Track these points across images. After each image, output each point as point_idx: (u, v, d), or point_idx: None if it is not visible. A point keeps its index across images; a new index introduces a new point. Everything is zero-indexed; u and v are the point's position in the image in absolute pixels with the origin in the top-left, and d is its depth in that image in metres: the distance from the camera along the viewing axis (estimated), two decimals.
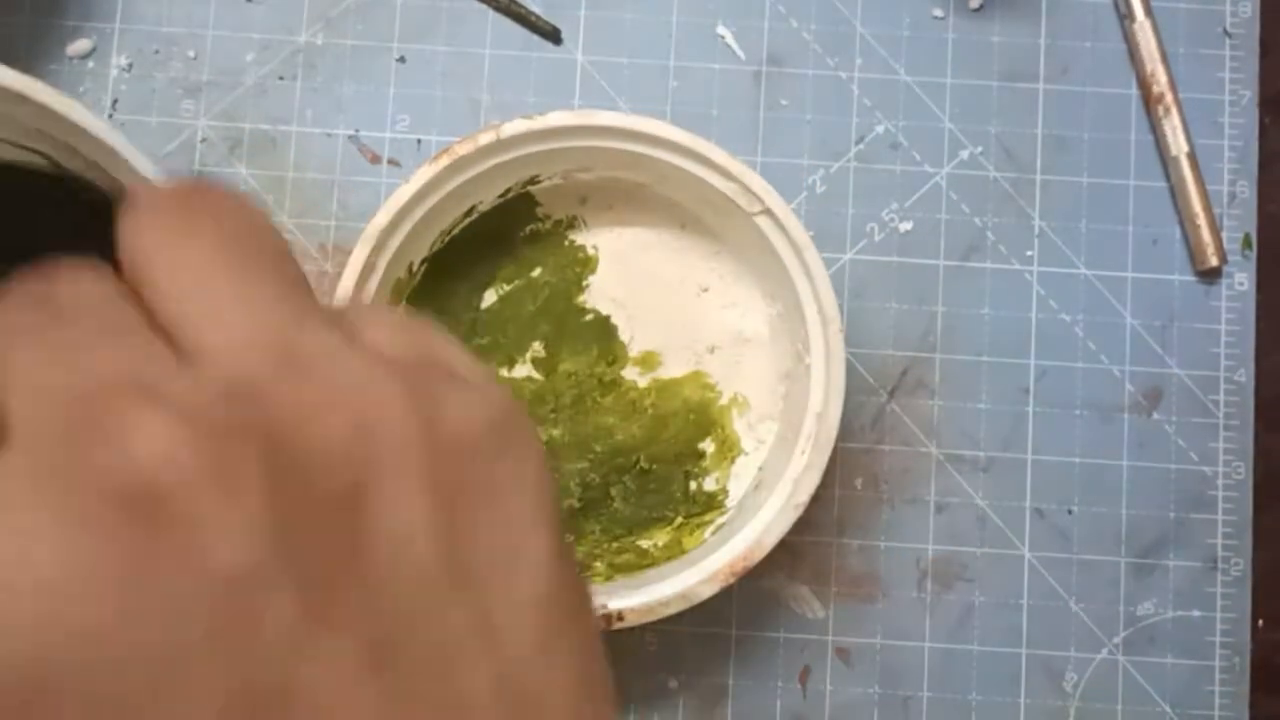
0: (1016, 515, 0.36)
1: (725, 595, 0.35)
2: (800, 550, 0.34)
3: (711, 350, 0.36)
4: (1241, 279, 0.37)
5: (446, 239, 0.34)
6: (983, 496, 0.36)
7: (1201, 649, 0.36)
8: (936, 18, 0.38)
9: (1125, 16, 0.38)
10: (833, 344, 0.31)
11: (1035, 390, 0.37)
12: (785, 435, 0.33)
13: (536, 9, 0.38)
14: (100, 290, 0.14)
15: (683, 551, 0.34)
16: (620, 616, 0.31)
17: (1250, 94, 0.38)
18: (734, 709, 0.35)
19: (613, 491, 0.35)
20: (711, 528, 0.34)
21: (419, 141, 0.37)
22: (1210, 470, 0.37)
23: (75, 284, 0.14)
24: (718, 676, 0.35)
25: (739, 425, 0.35)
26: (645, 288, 0.36)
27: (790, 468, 0.31)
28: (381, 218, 0.31)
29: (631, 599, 0.31)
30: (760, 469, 0.34)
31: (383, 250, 0.31)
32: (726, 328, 0.36)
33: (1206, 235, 0.37)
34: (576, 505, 0.35)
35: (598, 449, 0.35)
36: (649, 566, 0.33)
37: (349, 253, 0.37)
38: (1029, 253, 0.37)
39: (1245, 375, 0.37)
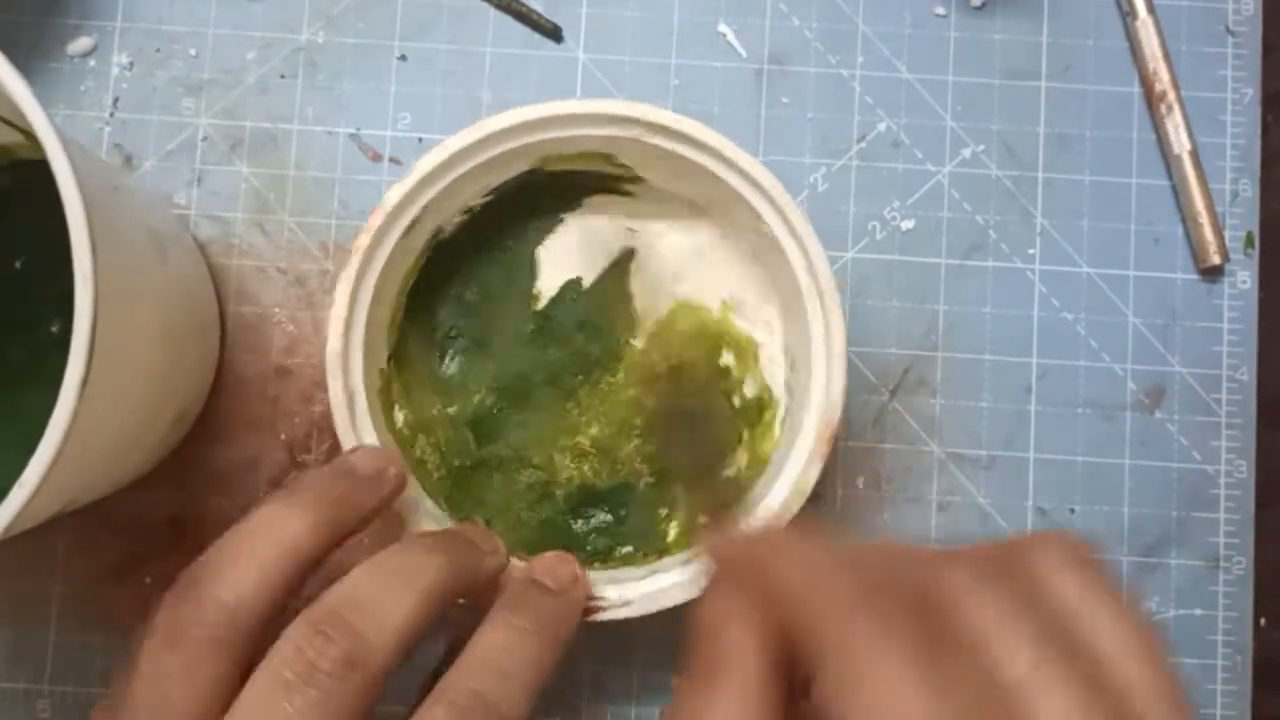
0: (1019, 514, 0.36)
1: None
2: None
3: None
4: (1244, 277, 0.37)
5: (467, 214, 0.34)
6: (985, 495, 0.36)
7: (1203, 647, 0.36)
8: (938, 15, 0.38)
9: (1127, 14, 0.38)
10: (834, 335, 0.31)
11: (1037, 389, 0.37)
12: (790, 425, 0.33)
13: (537, 7, 0.38)
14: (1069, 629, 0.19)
15: (765, 461, 0.33)
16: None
17: (1253, 92, 0.38)
18: None
19: (675, 451, 0.35)
20: (777, 424, 0.34)
21: (420, 140, 0.37)
22: (1212, 469, 0.37)
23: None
24: None
25: (741, 324, 0.35)
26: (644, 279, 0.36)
27: (791, 461, 0.31)
28: (421, 168, 0.31)
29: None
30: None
31: (413, 204, 0.31)
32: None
33: (1209, 233, 0.37)
34: (652, 482, 0.35)
35: (637, 423, 0.35)
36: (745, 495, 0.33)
37: (350, 251, 0.37)
38: (1031, 251, 0.37)
39: (1247, 374, 0.37)
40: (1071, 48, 0.38)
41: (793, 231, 0.32)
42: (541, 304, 0.36)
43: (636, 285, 0.36)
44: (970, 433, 0.37)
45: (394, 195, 0.31)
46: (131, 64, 0.37)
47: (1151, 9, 0.38)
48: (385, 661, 0.24)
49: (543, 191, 0.35)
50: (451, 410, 0.35)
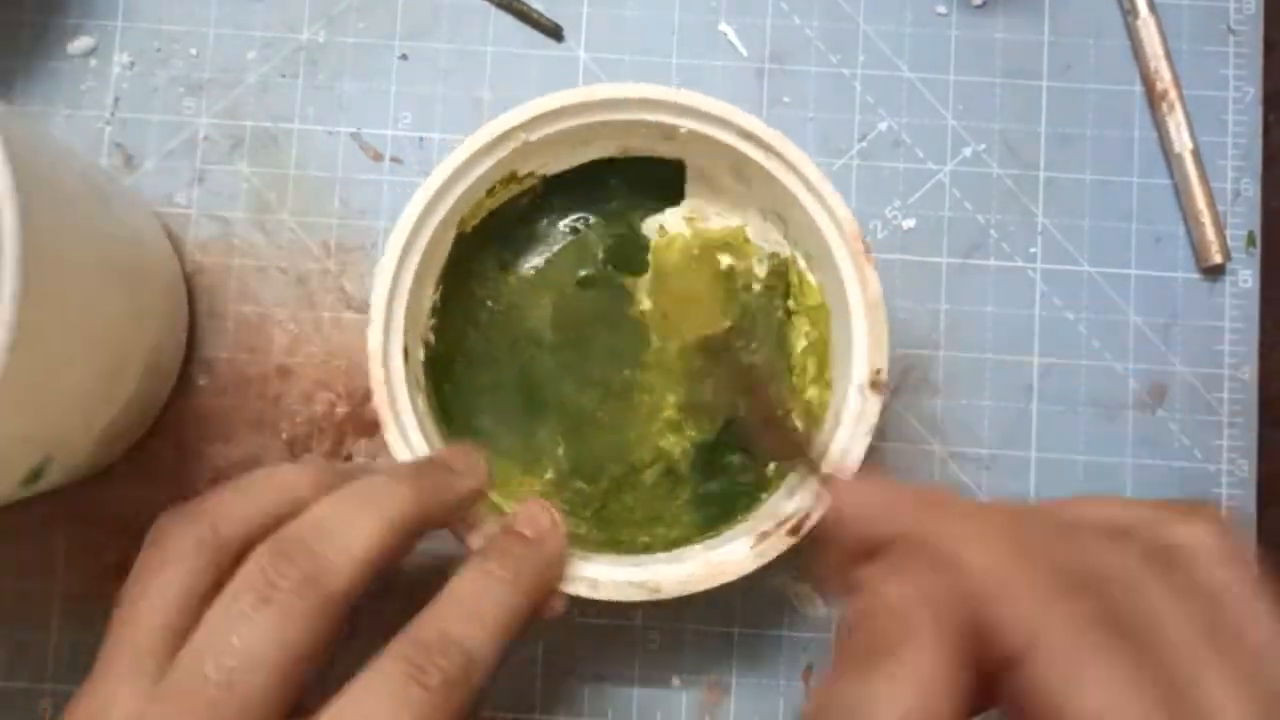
0: None
1: (729, 592, 0.35)
2: (804, 549, 0.34)
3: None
4: (1245, 276, 0.37)
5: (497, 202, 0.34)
6: (986, 494, 0.36)
7: None
8: (940, 14, 0.38)
9: (1129, 13, 0.38)
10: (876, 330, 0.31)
11: (1039, 387, 0.37)
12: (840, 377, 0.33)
13: (538, 6, 0.38)
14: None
15: (827, 382, 0.33)
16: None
17: (1254, 90, 0.38)
18: (736, 707, 0.35)
19: (740, 405, 0.35)
20: (830, 329, 0.33)
21: (420, 139, 0.37)
22: (1214, 467, 0.37)
23: None
24: (721, 674, 0.35)
25: (716, 222, 0.36)
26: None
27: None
28: (458, 155, 0.31)
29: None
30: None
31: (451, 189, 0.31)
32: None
33: (1210, 232, 0.37)
34: (738, 461, 0.35)
35: (671, 399, 0.35)
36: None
37: (351, 250, 0.37)
38: (1032, 250, 0.37)
39: (1249, 372, 0.37)
40: (1073, 46, 0.38)
41: (809, 186, 0.31)
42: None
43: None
44: (972, 432, 0.37)
45: (437, 177, 0.31)
46: (132, 63, 0.37)
47: (1153, 8, 0.37)
48: (346, 584, 0.24)
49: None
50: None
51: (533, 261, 0.36)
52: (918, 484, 0.22)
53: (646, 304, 0.35)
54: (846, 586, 0.23)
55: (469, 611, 0.26)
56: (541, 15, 0.38)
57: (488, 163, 0.31)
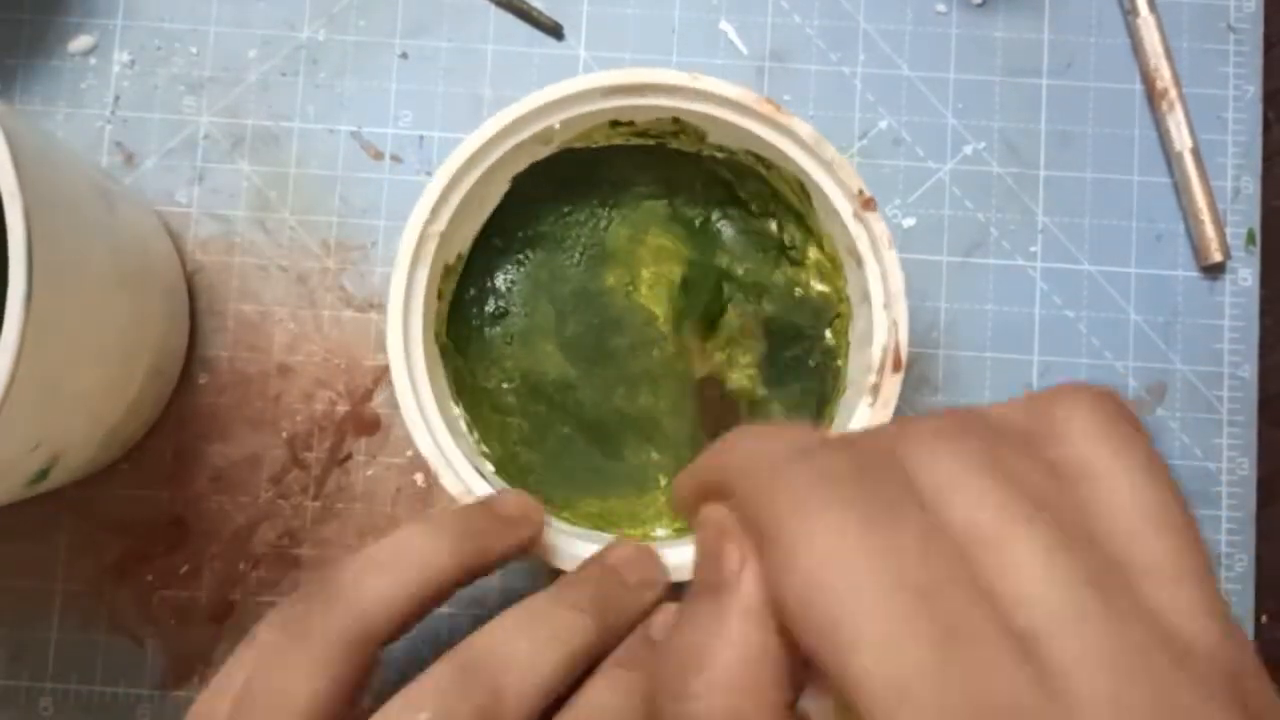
0: None
1: None
2: None
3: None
4: (1245, 275, 0.37)
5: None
6: None
7: None
8: (940, 13, 0.38)
9: (1129, 11, 0.38)
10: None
11: (1039, 386, 0.37)
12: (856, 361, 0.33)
13: (539, 4, 0.38)
14: (1050, 485, 0.16)
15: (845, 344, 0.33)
16: None
17: (1254, 89, 0.38)
18: None
19: (788, 354, 0.35)
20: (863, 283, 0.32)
21: (421, 138, 0.37)
22: (1214, 466, 0.37)
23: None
24: None
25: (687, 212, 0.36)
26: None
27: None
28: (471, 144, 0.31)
29: None
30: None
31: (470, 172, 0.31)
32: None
33: (1210, 231, 0.37)
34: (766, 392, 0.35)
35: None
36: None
37: (351, 249, 0.37)
38: (1032, 249, 0.37)
39: (1249, 371, 0.37)
40: (1073, 45, 0.38)
41: (828, 166, 0.31)
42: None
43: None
44: None
45: (459, 156, 0.31)
46: (133, 62, 0.37)
47: (1153, 6, 0.37)
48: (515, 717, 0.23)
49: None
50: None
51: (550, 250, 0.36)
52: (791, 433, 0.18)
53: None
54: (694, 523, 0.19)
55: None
56: (542, 13, 0.38)
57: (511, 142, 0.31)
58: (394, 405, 0.35)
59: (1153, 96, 0.38)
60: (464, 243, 0.33)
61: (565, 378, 0.35)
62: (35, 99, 0.37)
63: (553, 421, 0.35)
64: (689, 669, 0.16)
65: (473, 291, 0.35)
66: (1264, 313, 0.37)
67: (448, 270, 0.33)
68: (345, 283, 0.37)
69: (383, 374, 0.36)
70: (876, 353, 0.31)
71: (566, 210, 0.36)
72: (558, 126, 0.32)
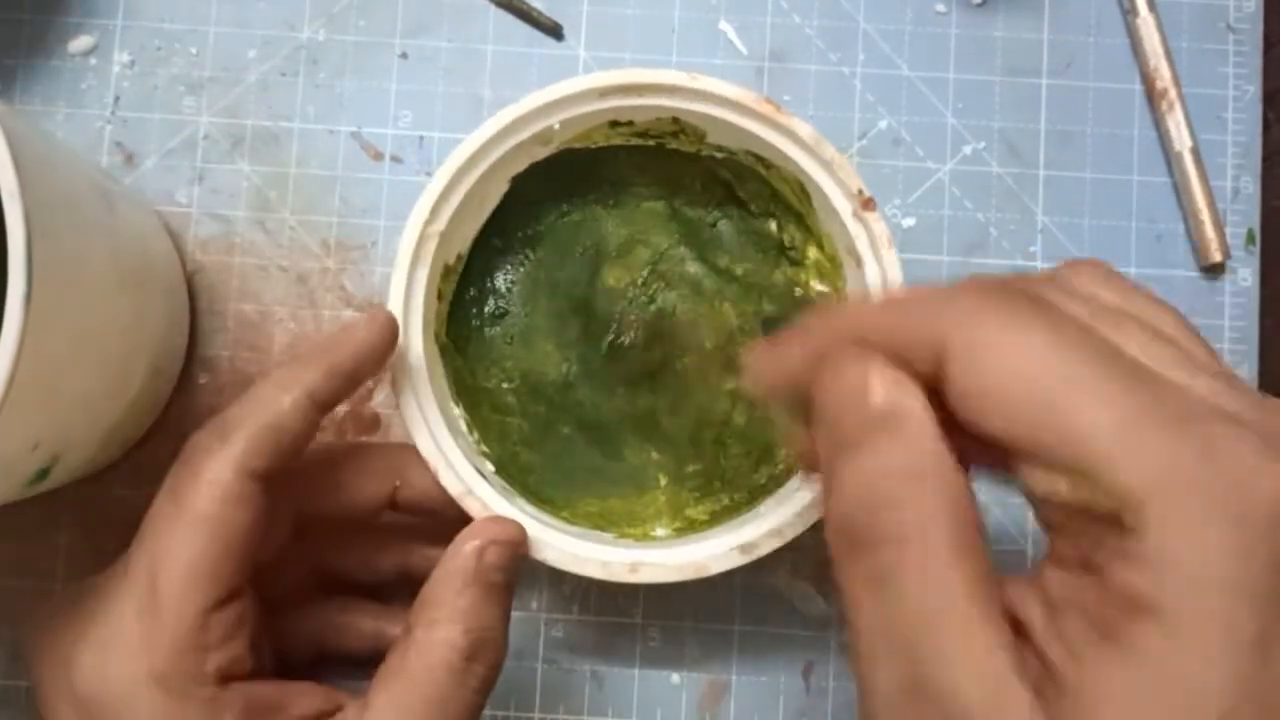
0: (1019, 511, 0.36)
1: (728, 590, 0.36)
2: (804, 546, 0.34)
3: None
4: (1245, 274, 0.37)
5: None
6: (985, 492, 0.36)
7: None
8: (939, 13, 0.38)
9: (1128, 11, 0.38)
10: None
11: None
12: None
13: (538, 4, 0.38)
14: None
15: None
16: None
17: (1254, 89, 0.38)
18: (736, 705, 0.35)
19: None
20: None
21: (421, 138, 0.37)
22: None
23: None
24: (720, 672, 0.35)
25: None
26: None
27: None
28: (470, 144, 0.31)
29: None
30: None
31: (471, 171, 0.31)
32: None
33: (1210, 231, 0.37)
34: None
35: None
36: None
37: (351, 249, 0.37)
38: (1032, 248, 0.37)
39: (1249, 371, 0.37)
40: (1072, 45, 0.38)
41: (827, 166, 0.31)
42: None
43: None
44: None
45: (462, 152, 0.31)
46: (133, 62, 0.37)
47: (1152, 6, 0.38)
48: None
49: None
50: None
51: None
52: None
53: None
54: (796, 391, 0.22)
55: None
56: (541, 14, 0.38)
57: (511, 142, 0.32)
58: (394, 405, 0.35)
59: (1152, 96, 0.38)
60: (464, 243, 0.33)
61: (565, 378, 0.35)
62: (35, 99, 0.37)
63: (552, 421, 0.35)
64: (879, 503, 0.19)
65: (472, 292, 0.35)
66: (1264, 313, 0.37)
67: (447, 270, 0.33)
68: (345, 283, 0.37)
69: (382, 373, 0.36)
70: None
71: (566, 210, 0.36)
72: (557, 127, 0.32)
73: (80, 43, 0.37)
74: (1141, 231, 0.37)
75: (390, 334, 0.30)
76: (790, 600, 0.36)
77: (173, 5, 0.38)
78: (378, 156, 0.37)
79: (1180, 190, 0.37)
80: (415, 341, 0.31)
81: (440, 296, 0.33)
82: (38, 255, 0.24)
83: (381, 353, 0.30)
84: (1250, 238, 0.37)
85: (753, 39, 0.38)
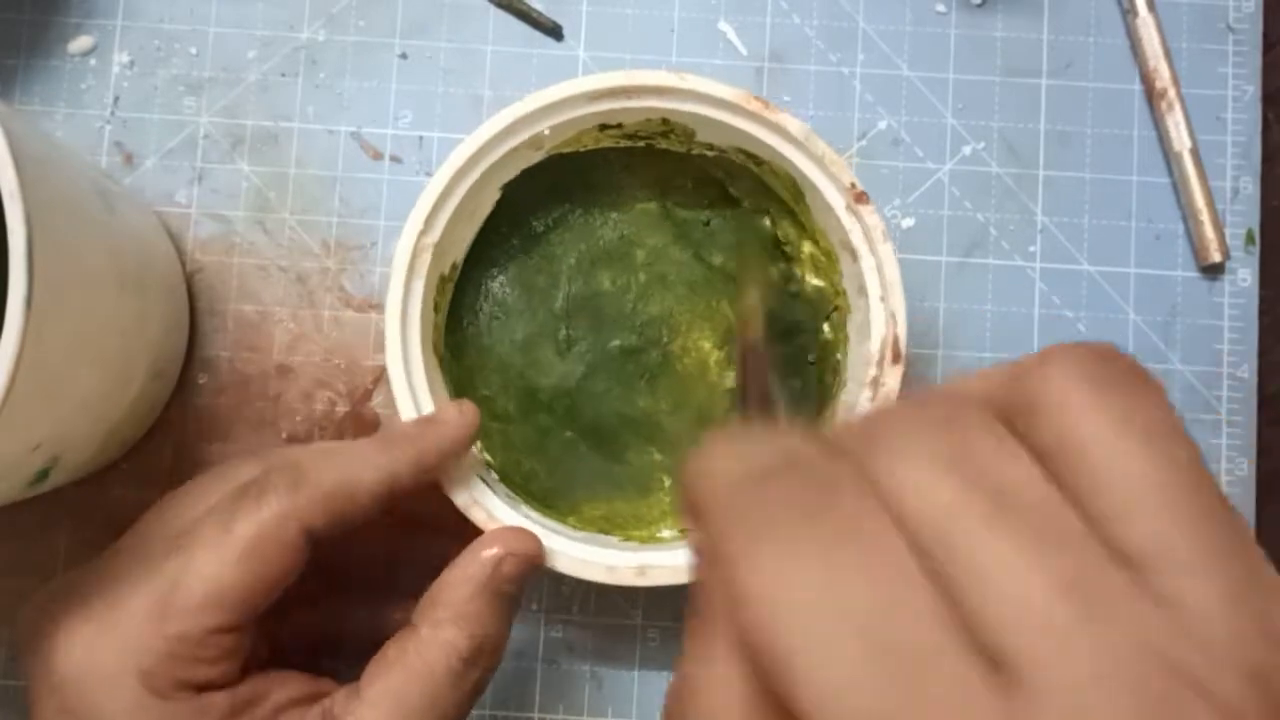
0: None
1: None
2: None
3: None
4: (1244, 275, 0.37)
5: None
6: None
7: None
8: (939, 13, 0.38)
9: (1128, 12, 0.38)
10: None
11: None
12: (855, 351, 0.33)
13: (538, 5, 0.38)
14: (1025, 476, 0.14)
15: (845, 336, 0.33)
16: None
17: (1253, 89, 0.38)
18: None
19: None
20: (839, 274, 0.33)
21: (421, 138, 0.37)
22: (1213, 466, 0.37)
23: (999, 461, 0.14)
24: None
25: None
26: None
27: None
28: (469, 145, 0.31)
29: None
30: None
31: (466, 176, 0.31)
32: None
33: (1209, 231, 0.37)
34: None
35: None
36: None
37: (351, 249, 0.37)
38: (1032, 249, 0.37)
39: (1248, 371, 0.37)
40: (1072, 45, 0.38)
41: (819, 161, 0.31)
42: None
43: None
44: None
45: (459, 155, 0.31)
46: (132, 62, 0.37)
47: (1152, 6, 0.38)
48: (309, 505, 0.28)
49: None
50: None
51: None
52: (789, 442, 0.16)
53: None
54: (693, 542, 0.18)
55: (328, 453, 0.28)
56: (541, 14, 0.38)
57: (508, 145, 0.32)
58: (394, 406, 0.35)
59: (1152, 97, 0.38)
60: (458, 253, 0.33)
61: (564, 383, 0.35)
62: (35, 99, 0.37)
63: (553, 427, 0.35)
64: (684, 700, 0.15)
65: (469, 301, 0.35)
66: (1263, 312, 0.37)
67: (443, 281, 0.33)
68: (345, 283, 0.37)
69: (382, 374, 0.36)
70: (875, 345, 0.31)
71: (559, 215, 0.36)
72: (547, 132, 0.32)
73: (80, 43, 0.37)
74: (1141, 231, 0.37)
75: (473, 427, 0.30)
76: None
77: (173, 5, 0.38)
78: (377, 156, 0.37)
79: (1180, 190, 0.37)
80: (414, 353, 0.31)
81: (436, 308, 0.33)
82: (38, 256, 0.24)
83: (463, 446, 0.30)
84: (1250, 238, 0.37)
85: (752, 39, 0.38)
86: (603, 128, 0.32)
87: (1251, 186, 0.38)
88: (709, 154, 0.34)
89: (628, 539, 0.33)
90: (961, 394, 0.16)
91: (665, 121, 0.32)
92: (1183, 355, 0.37)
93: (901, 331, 0.31)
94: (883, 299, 0.31)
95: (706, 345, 0.35)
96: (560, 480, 0.34)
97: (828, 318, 0.35)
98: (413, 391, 0.31)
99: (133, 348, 0.31)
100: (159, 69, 0.37)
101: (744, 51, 0.38)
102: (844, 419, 0.32)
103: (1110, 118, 0.38)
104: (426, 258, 0.31)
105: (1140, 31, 0.38)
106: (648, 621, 0.36)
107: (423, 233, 0.31)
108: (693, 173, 0.35)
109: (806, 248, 0.34)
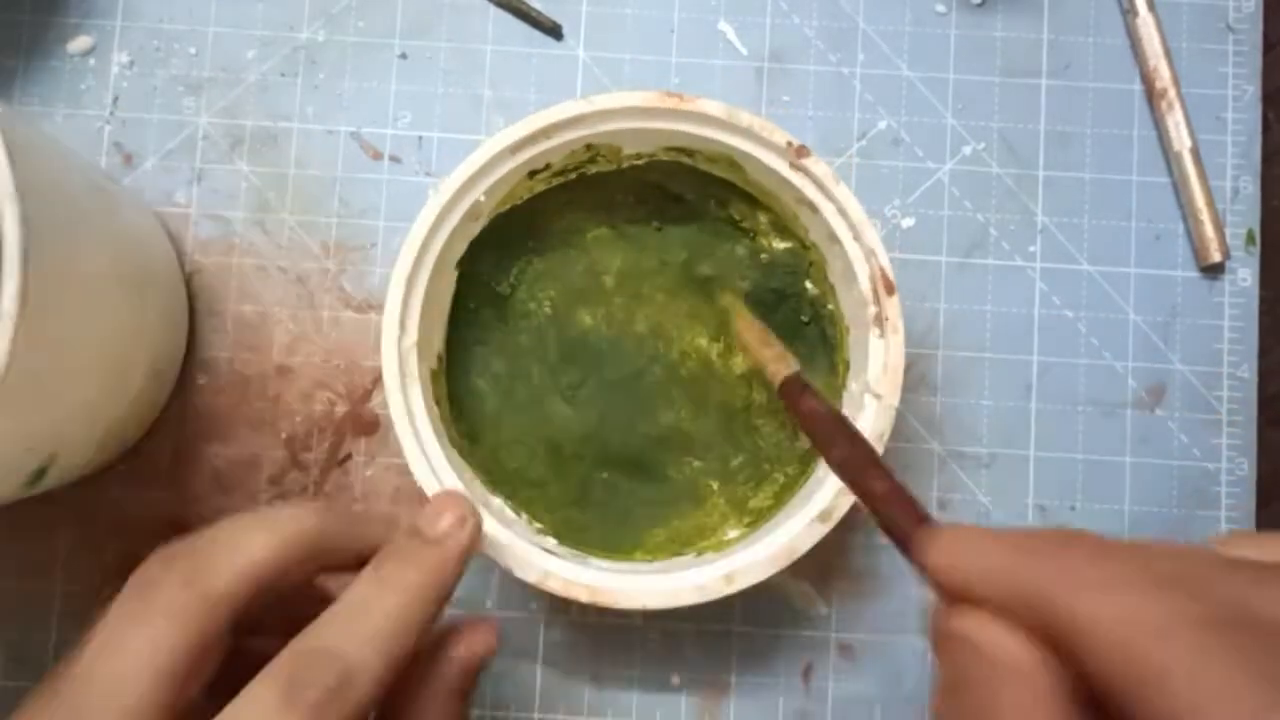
0: (1019, 511, 0.36)
1: None
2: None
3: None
4: (1244, 274, 0.37)
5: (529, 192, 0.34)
6: (985, 493, 0.36)
7: None
8: (939, 13, 0.38)
9: (1128, 11, 0.38)
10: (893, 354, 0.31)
11: (1038, 386, 0.37)
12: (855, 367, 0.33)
13: (538, 4, 0.38)
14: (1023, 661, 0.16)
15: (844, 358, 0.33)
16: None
17: (1253, 89, 0.38)
18: (736, 706, 0.35)
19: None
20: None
21: (420, 138, 0.37)
22: (1213, 466, 0.37)
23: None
24: (720, 673, 0.35)
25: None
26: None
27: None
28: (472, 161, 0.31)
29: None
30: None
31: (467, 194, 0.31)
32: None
33: (1209, 231, 0.37)
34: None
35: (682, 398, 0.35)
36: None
37: (351, 250, 0.37)
38: (1031, 249, 0.37)
39: (1248, 371, 0.37)
40: (1072, 45, 0.38)
41: (748, 133, 0.31)
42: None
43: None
44: (971, 430, 0.37)
45: (465, 170, 0.31)
46: (132, 62, 0.37)
47: (1152, 6, 0.37)
48: (222, 585, 0.24)
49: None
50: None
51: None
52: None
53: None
54: (937, 634, 0.19)
55: (353, 621, 0.24)
56: (541, 14, 0.38)
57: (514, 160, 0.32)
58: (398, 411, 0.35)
59: (1152, 96, 0.38)
60: (438, 344, 0.33)
61: (584, 428, 0.35)
62: (34, 100, 0.37)
63: (589, 473, 0.35)
64: None
65: (464, 384, 0.35)
66: (1263, 313, 0.37)
67: (434, 375, 0.33)
68: (345, 283, 0.37)
69: (381, 374, 0.36)
70: (864, 284, 0.31)
71: (518, 272, 0.35)
72: (483, 198, 0.31)
73: (79, 43, 0.37)
74: (1141, 231, 0.37)
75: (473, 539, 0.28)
76: (790, 600, 0.36)
77: (172, 6, 0.38)
78: (377, 157, 0.37)
79: (1180, 190, 0.37)
80: (435, 455, 0.30)
81: (438, 401, 0.32)
82: (35, 256, 0.24)
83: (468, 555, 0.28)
84: (1250, 238, 0.37)
85: (752, 39, 0.38)
86: (532, 174, 0.32)
87: (1251, 186, 0.38)
88: (639, 163, 0.34)
89: (701, 553, 0.32)
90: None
91: (589, 148, 0.32)
92: (1183, 355, 0.37)
93: (885, 263, 0.31)
94: (856, 239, 0.31)
95: (703, 342, 0.35)
96: (614, 521, 0.34)
97: (807, 275, 0.35)
98: (443, 485, 0.30)
99: (132, 348, 0.31)
100: (158, 69, 0.37)
101: (744, 52, 0.38)
102: (860, 364, 0.31)
103: (1110, 118, 0.38)
104: (413, 359, 0.31)
105: (1140, 31, 0.38)
106: (647, 622, 0.36)
107: (400, 337, 0.31)
108: (630, 186, 0.35)
109: (762, 217, 0.34)
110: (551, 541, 0.32)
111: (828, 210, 0.31)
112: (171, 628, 0.23)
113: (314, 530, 0.26)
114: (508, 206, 0.33)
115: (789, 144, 0.31)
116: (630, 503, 0.34)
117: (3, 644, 0.35)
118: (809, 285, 0.35)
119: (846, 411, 0.32)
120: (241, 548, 0.25)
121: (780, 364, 0.31)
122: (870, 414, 0.31)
